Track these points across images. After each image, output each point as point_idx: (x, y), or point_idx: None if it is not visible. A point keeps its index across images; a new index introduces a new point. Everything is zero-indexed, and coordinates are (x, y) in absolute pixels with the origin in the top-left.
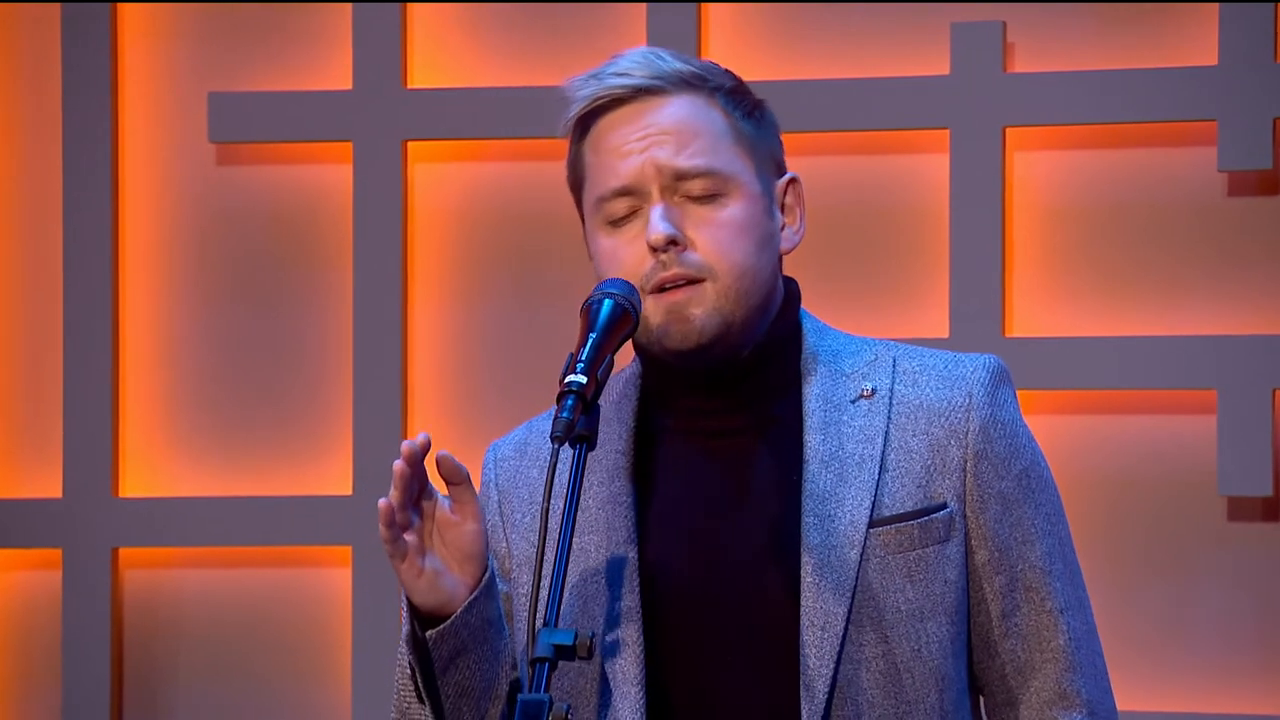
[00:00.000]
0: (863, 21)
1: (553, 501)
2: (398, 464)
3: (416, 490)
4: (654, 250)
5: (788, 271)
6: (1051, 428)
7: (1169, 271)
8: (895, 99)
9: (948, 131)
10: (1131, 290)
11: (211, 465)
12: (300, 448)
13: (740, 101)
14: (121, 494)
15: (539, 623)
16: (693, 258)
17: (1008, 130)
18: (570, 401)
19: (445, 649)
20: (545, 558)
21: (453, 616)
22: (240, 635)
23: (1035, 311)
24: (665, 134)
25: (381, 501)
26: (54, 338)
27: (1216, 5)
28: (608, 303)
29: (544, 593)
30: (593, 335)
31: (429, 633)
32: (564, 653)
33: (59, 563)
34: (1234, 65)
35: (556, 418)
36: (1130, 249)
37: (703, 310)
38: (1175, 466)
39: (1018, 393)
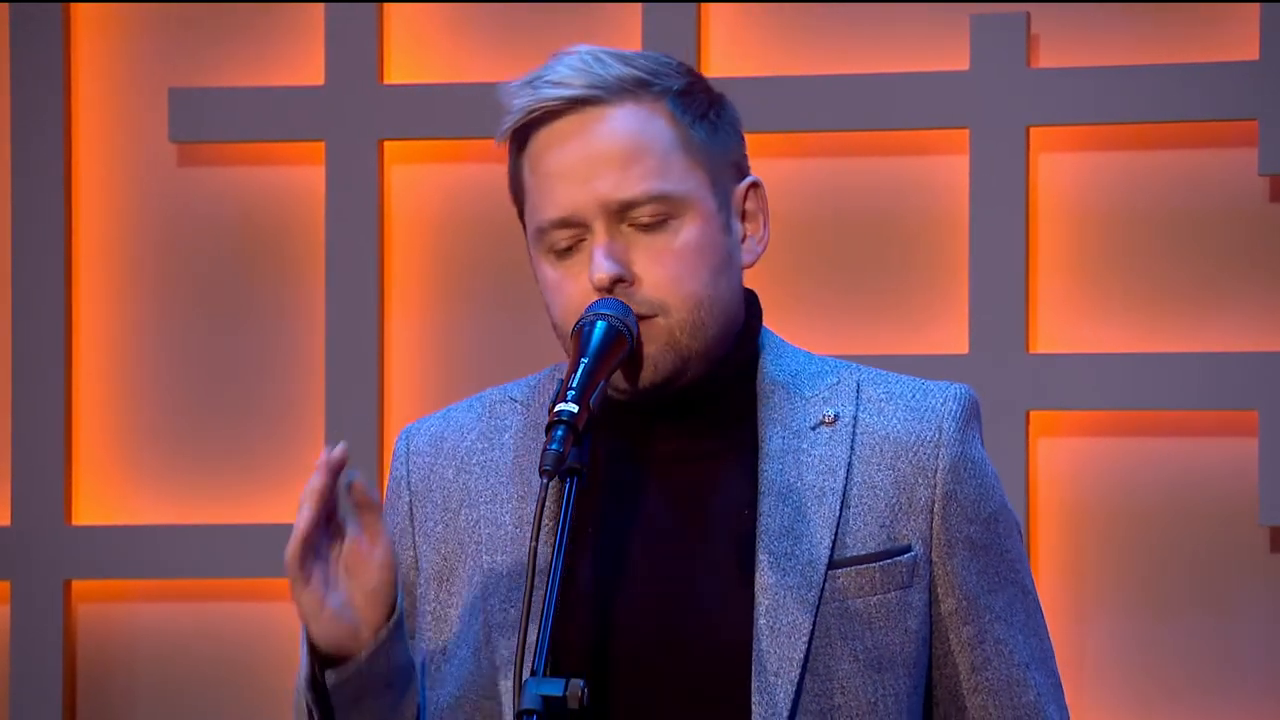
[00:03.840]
0: (875, 13)
1: (541, 540)
2: (316, 480)
3: (327, 513)
4: (599, 290)
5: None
6: (1078, 451)
7: (1206, 282)
8: (910, 96)
9: (967, 131)
10: (1165, 303)
11: (171, 491)
12: (268, 472)
13: (691, 104)
14: (74, 522)
15: (526, 672)
16: (642, 295)
17: (1031, 130)
18: (560, 432)
19: (347, 693)
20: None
21: (357, 660)
22: (202, 674)
23: (1061, 325)
24: (607, 158)
25: (301, 523)
26: (1, 353)
27: None
28: (600, 324)
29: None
30: (584, 360)
31: (329, 674)
32: (553, 704)
33: (7, 596)
34: (1276, 60)
35: (546, 449)
36: (1164, 258)
37: (655, 348)
38: (1213, 493)
39: (1042, 414)
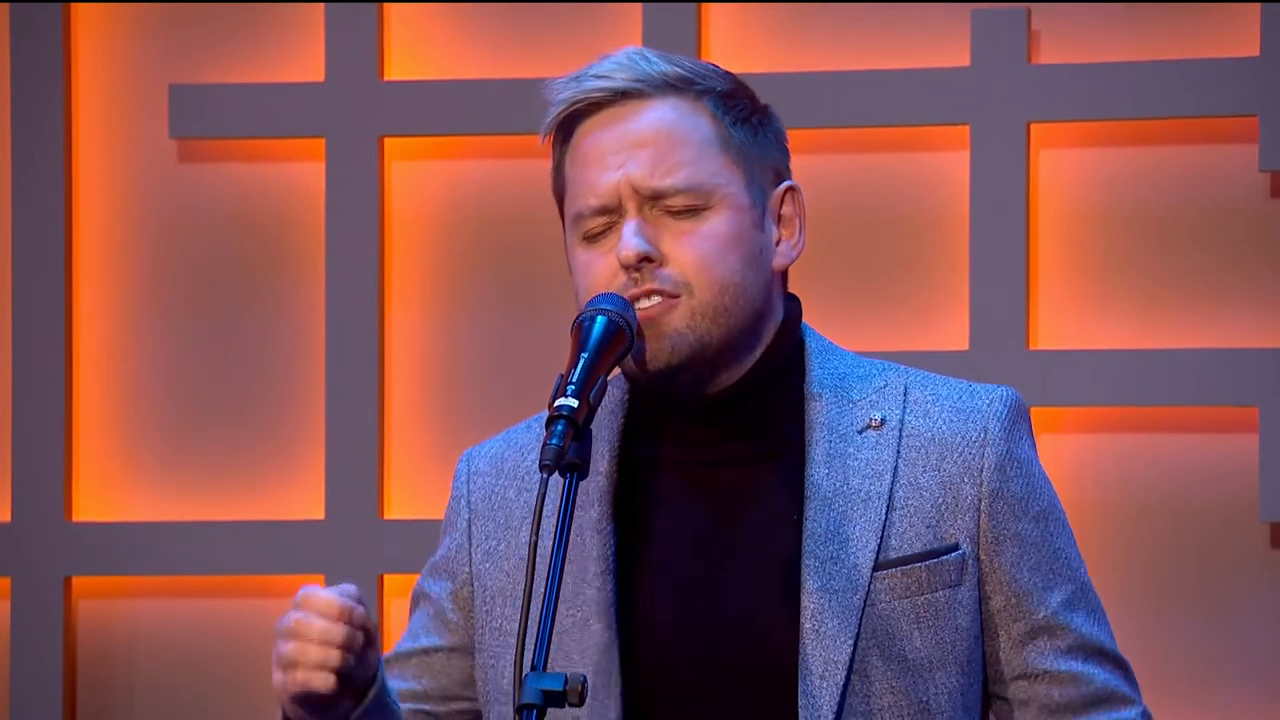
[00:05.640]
0: (876, 10)
1: (540, 535)
2: (337, 629)
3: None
4: (625, 268)
5: (792, 274)
6: (1079, 447)
7: (1206, 279)
8: (911, 92)
9: (967, 127)
10: (1166, 299)
11: (171, 487)
12: (269, 468)
13: (733, 106)
14: (74, 518)
15: (525, 667)
16: (667, 274)
17: (1032, 126)
18: (560, 427)
19: None
20: (533, 595)
21: None
22: (203, 671)
23: (1062, 322)
24: (643, 146)
25: (317, 677)
26: (2, 350)
27: None
28: (600, 319)
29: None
30: (584, 355)
31: None
32: (553, 699)
33: (7, 592)
34: (1277, 56)
35: (546, 444)
36: (1164, 254)
37: (674, 327)
38: (1213, 490)
39: (1043, 410)
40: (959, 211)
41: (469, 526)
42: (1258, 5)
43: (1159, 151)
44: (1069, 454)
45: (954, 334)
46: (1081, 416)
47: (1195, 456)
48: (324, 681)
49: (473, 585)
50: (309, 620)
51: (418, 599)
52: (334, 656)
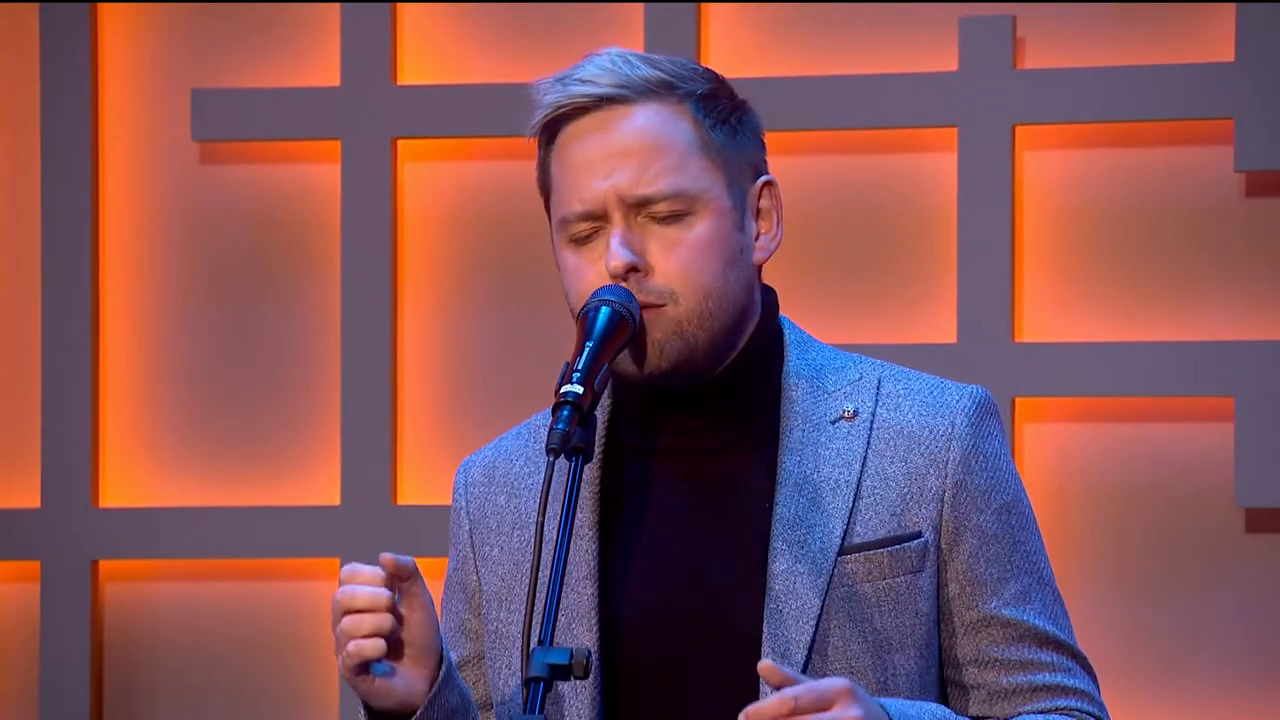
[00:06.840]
0: (867, 16)
1: (547, 517)
2: (382, 593)
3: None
4: (614, 278)
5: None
6: (1062, 436)
7: (1184, 275)
8: (901, 96)
9: (955, 130)
10: (1145, 294)
11: (194, 474)
12: (286, 456)
13: (713, 108)
14: (101, 504)
15: (533, 642)
16: (654, 284)
17: (1018, 128)
18: (566, 413)
19: None
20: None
21: (415, 715)
22: (224, 651)
23: (1046, 316)
24: (628, 154)
25: (367, 644)
26: (32, 343)
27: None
28: (605, 310)
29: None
30: (589, 344)
31: None
32: (559, 672)
33: (37, 575)
34: (1252, 61)
35: (552, 429)
36: (1144, 251)
37: (662, 334)
38: (1191, 477)
39: (1027, 400)
40: (947, 211)
41: (470, 537)
42: (1232, 12)
43: (1139, 153)
44: (1052, 442)
45: (943, 327)
46: (1064, 406)
47: (1174, 445)
48: (374, 647)
49: (481, 592)
50: (354, 591)
51: (442, 615)
52: (384, 621)
